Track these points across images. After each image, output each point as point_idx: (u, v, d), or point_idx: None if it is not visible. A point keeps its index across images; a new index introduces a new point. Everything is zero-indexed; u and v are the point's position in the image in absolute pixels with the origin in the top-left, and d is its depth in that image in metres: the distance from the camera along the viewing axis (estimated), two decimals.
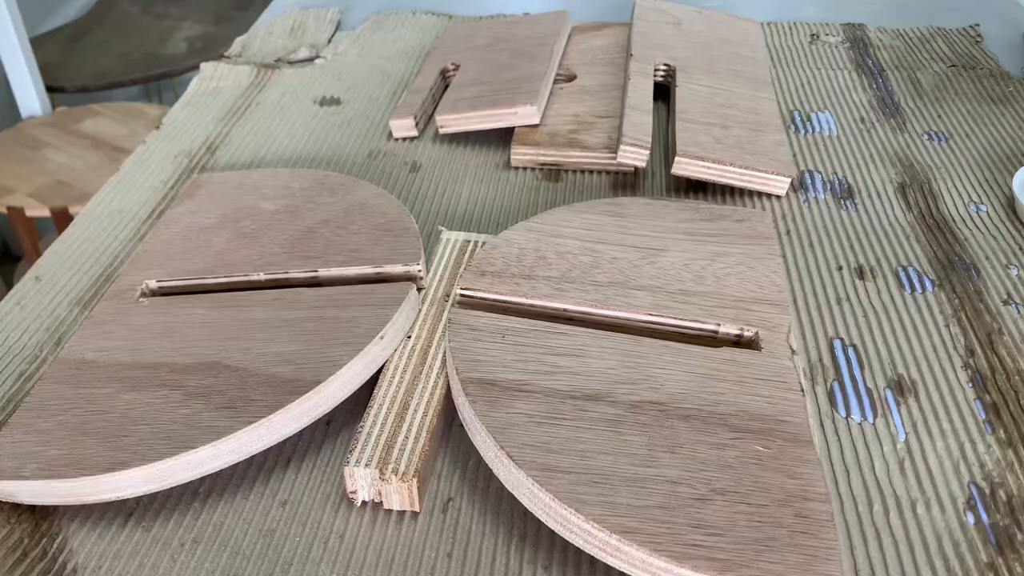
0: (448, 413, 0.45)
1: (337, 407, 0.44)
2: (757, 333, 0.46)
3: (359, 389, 0.45)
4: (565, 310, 0.48)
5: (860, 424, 0.45)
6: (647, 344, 0.45)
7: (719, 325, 0.47)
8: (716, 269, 0.50)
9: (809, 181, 0.65)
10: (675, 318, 0.47)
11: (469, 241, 0.55)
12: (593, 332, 0.46)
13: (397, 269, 0.51)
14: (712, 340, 0.47)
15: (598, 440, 0.39)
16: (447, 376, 0.45)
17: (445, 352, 0.46)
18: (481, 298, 0.49)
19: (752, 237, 0.53)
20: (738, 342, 0.47)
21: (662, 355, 0.44)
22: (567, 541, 0.38)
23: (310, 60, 0.87)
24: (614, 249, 0.52)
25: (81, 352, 0.47)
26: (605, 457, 0.39)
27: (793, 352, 0.45)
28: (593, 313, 0.48)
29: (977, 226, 0.60)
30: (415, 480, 0.40)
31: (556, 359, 0.44)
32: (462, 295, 0.49)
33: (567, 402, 0.41)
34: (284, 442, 0.43)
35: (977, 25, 0.90)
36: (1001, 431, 0.45)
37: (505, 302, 0.49)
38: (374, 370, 0.46)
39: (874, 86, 0.79)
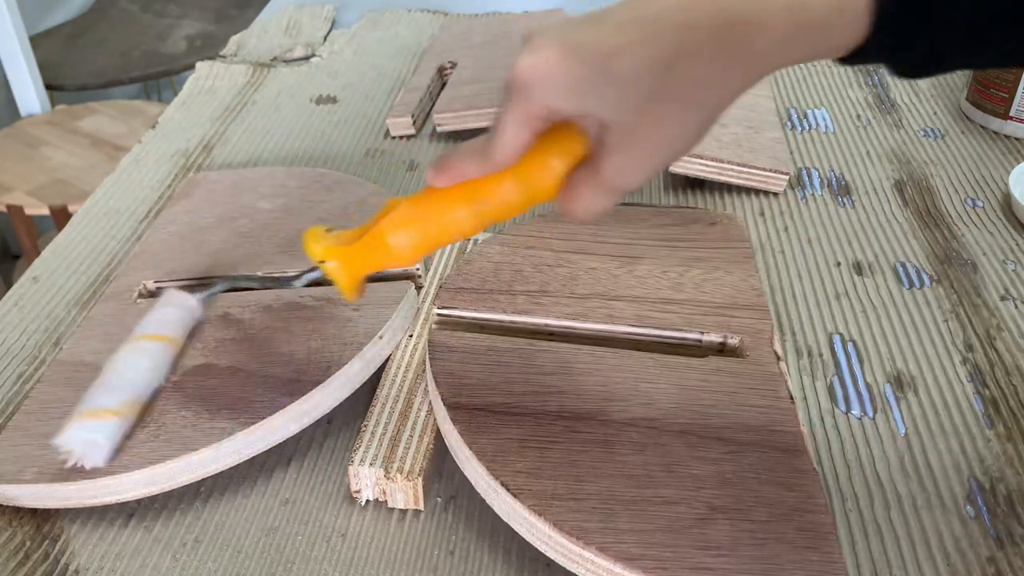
0: None
1: (337, 406, 0.44)
2: (742, 340, 0.45)
3: (359, 388, 0.45)
4: (547, 325, 0.47)
5: (860, 419, 0.45)
6: (633, 358, 0.44)
7: (703, 333, 0.46)
8: (694, 275, 0.50)
9: (807, 178, 0.66)
10: (658, 328, 0.46)
11: (468, 239, 0.55)
12: (577, 348, 0.45)
13: (396, 268, 0.51)
14: (696, 349, 0.46)
15: (593, 462, 0.38)
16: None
17: (427, 377, 0.44)
18: (459, 317, 0.47)
19: (726, 241, 0.53)
20: (722, 350, 0.46)
21: (649, 368, 0.43)
22: None
23: (306, 59, 0.87)
24: (590, 259, 0.51)
25: (80, 354, 0.47)
26: (602, 480, 0.37)
27: (779, 358, 0.44)
28: (575, 327, 0.47)
29: (974, 222, 0.60)
30: (420, 478, 0.40)
31: (543, 378, 0.43)
32: (439, 315, 0.47)
33: (557, 423, 0.40)
34: (285, 441, 0.43)
35: None
36: (1000, 426, 0.45)
37: (485, 320, 0.47)
38: (374, 369, 0.46)
39: (870, 83, 0.79)
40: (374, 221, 0.39)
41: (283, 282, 0.46)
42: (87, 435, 0.39)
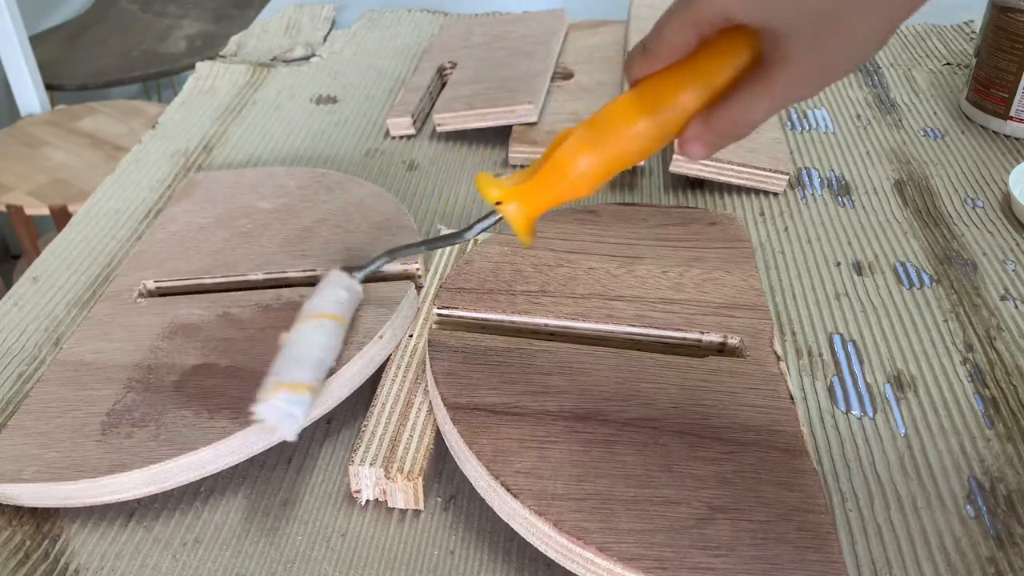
0: None
1: (337, 405, 0.44)
2: (742, 340, 0.45)
3: (359, 388, 0.45)
4: (546, 325, 0.47)
5: (860, 419, 0.45)
6: (634, 358, 0.44)
7: (703, 333, 0.46)
8: (693, 275, 0.49)
9: (807, 178, 0.66)
10: (658, 328, 0.46)
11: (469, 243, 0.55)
12: (577, 348, 0.45)
13: (395, 268, 0.51)
14: (696, 349, 0.46)
15: (593, 462, 0.38)
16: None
17: (427, 377, 0.44)
18: (459, 317, 0.47)
19: (726, 241, 0.52)
20: (722, 350, 0.46)
21: (649, 368, 0.43)
22: None
23: (306, 59, 0.87)
24: (591, 259, 0.51)
25: (80, 353, 0.47)
26: (602, 480, 0.37)
27: (779, 358, 0.44)
28: (575, 327, 0.47)
29: (974, 222, 0.60)
30: (420, 478, 0.40)
31: (543, 378, 0.43)
32: (439, 315, 0.47)
33: (558, 423, 0.40)
34: (285, 441, 0.43)
35: (971, 22, 0.90)
36: (1000, 425, 0.45)
37: (484, 320, 0.47)
38: (374, 369, 0.46)
39: (870, 83, 0.79)
40: (546, 155, 0.37)
41: (454, 238, 0.44)
42: (287, 407, 0.39)
